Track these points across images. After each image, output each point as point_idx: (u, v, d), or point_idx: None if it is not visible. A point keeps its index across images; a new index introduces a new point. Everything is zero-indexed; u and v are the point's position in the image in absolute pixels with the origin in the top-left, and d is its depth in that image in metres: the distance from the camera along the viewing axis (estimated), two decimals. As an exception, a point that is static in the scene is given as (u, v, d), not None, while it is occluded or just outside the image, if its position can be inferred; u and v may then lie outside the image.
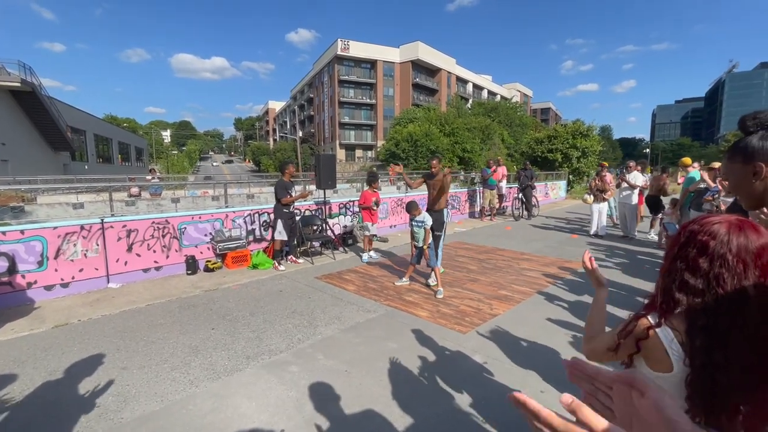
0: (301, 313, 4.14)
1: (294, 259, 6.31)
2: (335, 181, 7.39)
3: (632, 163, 8.43)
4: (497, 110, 40.96)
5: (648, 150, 72.60)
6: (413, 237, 4.92)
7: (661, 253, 6.81)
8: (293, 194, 6.13)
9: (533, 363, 3.08)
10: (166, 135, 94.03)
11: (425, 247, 4.77)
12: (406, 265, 5.78)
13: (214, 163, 65.97)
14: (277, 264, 5.97)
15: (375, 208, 6.60)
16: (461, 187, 15.55)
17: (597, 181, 8.41)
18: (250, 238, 6.52)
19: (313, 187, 14.45)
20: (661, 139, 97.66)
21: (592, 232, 8.66)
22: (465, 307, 4.26)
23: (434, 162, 4.99)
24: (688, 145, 75.88)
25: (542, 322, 3.86)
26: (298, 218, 6.82)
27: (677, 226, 5.52)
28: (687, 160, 6.86)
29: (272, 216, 6.20)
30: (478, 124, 34.22)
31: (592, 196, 8.36)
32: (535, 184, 12.54)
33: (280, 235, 5.97)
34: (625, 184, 8.10)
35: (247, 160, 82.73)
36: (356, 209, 8.23)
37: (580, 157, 20.06)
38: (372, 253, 6.74)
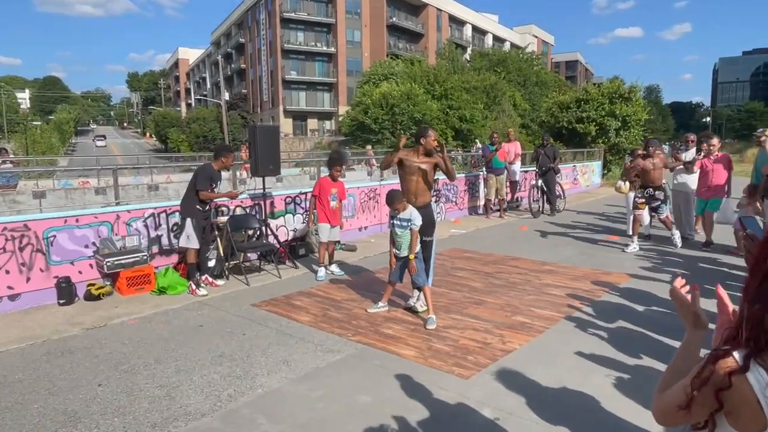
0: (231, 358, 4.08)
1: (211, 280, 6.20)
2: (279, 165, 7.31)
3: (692, 137, 8.73)
4: (506, 63, 41.77)
5: (709, 118, 75.96)
6: (394, 243, 4.93)
7: (729, 259, 7.13)
8: (217, 190, 6.06)
9: (564, 416, 3.14)
10: (24, 98, 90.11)
11: (411, 257, 4.79)
12: (382, 284, 5.78)
13: (98, 143, 63.40)
14: (194, 287, 5.85)
15: (335, 203, 6.57)
16: (458, 172, 15.65)
17: (633, 163, 8.62)
18: (155, 249, 6.39)
19: (244, 174, 14.23)
20: (725, 104, 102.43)
21: (629, 232, 8.95)
22: (467, 341, 4.31)
23: (432, 132, 4.97)
24: (760, 111, 79.92)
25: (573, 360, 3.96)
26: (225, 218, 6.72)
27: (761, 222, 5.61)
28: None
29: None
30: (480, 82, 34.80)
31: (627, 183, 8.61)
32: (560, 166, 12.85)
33: (190, 241, 5.87)
34: (680, 167, 8.39)
35: (147, 135, 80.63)
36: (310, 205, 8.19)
37: (619, 129, 20.76)
38: (334, 267, 6.71)
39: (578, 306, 5.23)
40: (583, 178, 17.72)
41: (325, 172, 7.06)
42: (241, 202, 7.34)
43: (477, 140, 28.58)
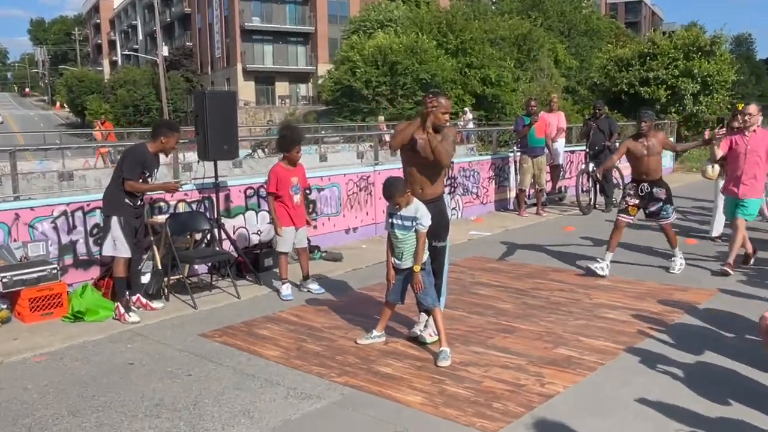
0: (173, 407, 4.07)
1: (145, 301, 6.19)
2: (237, 146, 7.28)
3: None
4: (544, 6, 41.79)
5: (818, 79, 76.05)
6: (393, 250, 4.92)
7: None
8: (152, 180, 6.06)
9: (623, 485, 3.14)
10: None
11: (417, 269, 4.78)
12: (377, 305, 5.78)
13: None
14: (122, 310, 5.84)
15: (299, 197, 6.51)
16: (480, 153, 15.67)
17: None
18: (68, 259, 6.37)
19: (192, 156, 14.21)
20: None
21: (714, 234, 9.01)
22: (493, 383, 4.30)
23: (444, 101, 4.89)
24: None
25: (636, 408, 3.95)
26: (162, 218, 6.70)
27: None
28: None
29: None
30: (509, 31, 34.82)
31: (716, 167, 8.65)
32: (618, 144, 12.84)
33: (117, 248, 5.84)
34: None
35: (58, 104, 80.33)
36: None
37: (698, 94, 20.83)
38: (311, 284, 6.71)
39: (643, 333, 5.22)
40: (649, 161, 17.75)
41: (303, 153, 7.02)
42: (186, 195, 7.31)
43: (467, 108, 28.23)
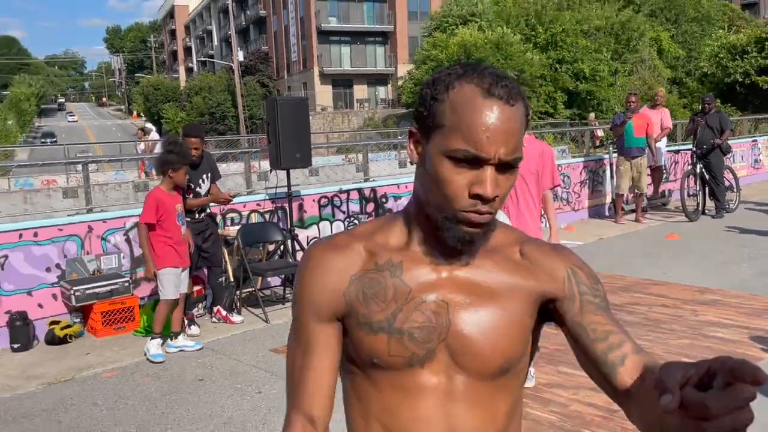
0: (242, 426, 4.17)
1: (225, 314, 6.43)
2: (309, 153, 7.41)
3: None
4: (646, -9, 40.51)
5: None
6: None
7: None
8: (205, 188, 6.24)
9: None
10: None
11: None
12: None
13: (70, 116, 68.30)
14: (185, 323, 6.03)
15: (184, 231, 5.71)
16: (572, 155, 15.42)
17: None
18: (140, 272, 6.56)
19: (265, 165, 14.63)
20: None
21: None
22: (582, 407, 4.22)
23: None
24: None
25: (748, 437, 3.77)
26: (234, 229, 6.88)
27: None
28: None
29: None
30: (606, 20, 33.97)
31: None
32: (731, 142, 12.33)
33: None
34: None
35: (134, 114, 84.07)
36: (355, 207, 8.30)
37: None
38: (185, 341, 5.77)
39: (759, 356, 4.99)
40: (769, 160, 16.98)
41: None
42: (258, 205, 7.49)
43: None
